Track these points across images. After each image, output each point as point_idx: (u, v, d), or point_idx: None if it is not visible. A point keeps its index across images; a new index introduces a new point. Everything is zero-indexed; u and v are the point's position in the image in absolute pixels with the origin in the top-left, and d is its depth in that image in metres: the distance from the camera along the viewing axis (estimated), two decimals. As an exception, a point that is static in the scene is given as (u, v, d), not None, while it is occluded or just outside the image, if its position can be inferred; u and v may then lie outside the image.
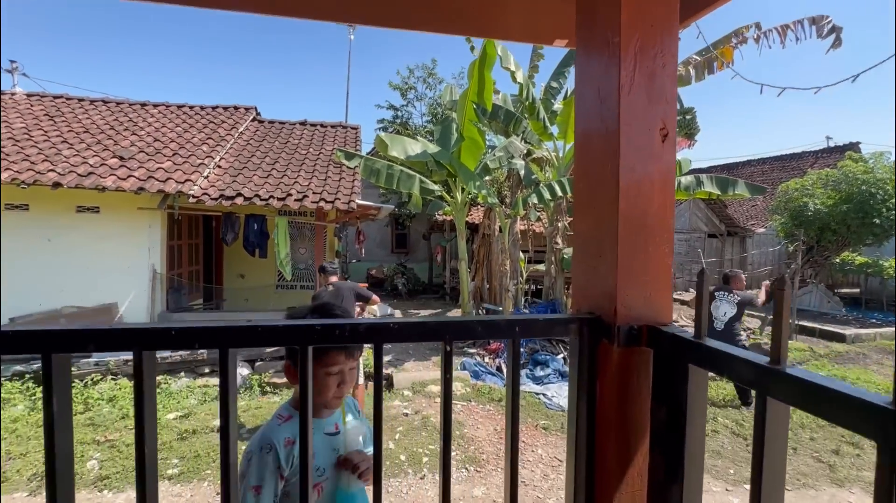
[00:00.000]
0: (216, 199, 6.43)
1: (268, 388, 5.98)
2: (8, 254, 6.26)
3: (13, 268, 6.27)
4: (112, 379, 5.83)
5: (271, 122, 9.84)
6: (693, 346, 0.68)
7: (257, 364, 6.44)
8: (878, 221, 10.23)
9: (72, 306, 6.52)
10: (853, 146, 17.90)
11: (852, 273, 12.81)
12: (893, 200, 10.21)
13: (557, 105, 8.42)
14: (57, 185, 5.89)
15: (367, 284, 10.08)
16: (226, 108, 9.53)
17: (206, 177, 6.94)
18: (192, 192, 6.38)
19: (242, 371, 6.23)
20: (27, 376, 5.72)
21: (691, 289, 15.28)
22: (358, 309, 4.70)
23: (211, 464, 4.17)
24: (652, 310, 0.80)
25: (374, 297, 4.67)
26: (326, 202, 6.69)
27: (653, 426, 0.76)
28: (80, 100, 8.86)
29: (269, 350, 6.65)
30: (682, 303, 12.78)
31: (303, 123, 9.96)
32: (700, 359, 0.67)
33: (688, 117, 6.84)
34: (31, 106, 8.27)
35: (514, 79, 6.34)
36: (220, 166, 7.41)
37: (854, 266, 12.14)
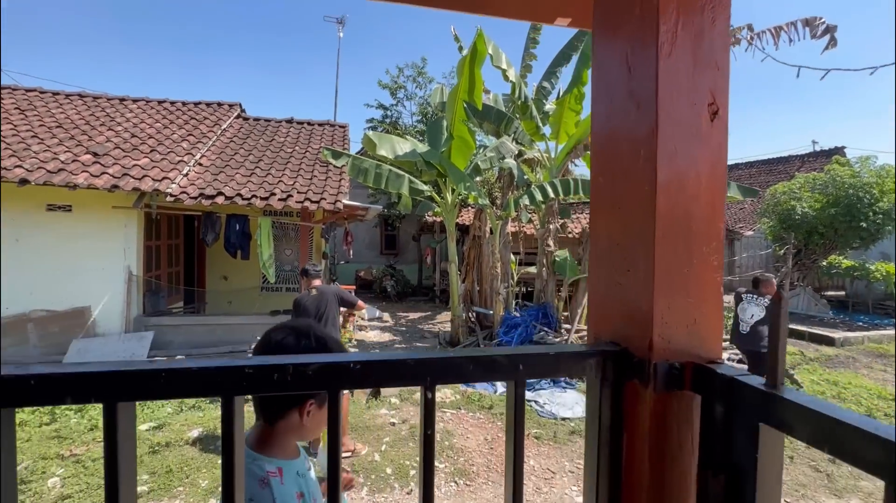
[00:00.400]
0: (196, 198, 6.15)
1: (249, 396, 5.71)
2: (-29, 255, 5.92)
3: (-23, 269, 5.92)
4: (82, 387, 5.53)
5: (256, 119, 9.55)
6: (768, 400, 0.49)
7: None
8: (864, 225, 10.28)
9: (41, 310, 6.19)
10: (839, 150, 18.11)
11: (839, 276, 12.90)
12: (880, 204, 10.27)
13: (549, 106, 8.27)
14: (24, 181, 5.56)
15: (355, 287, 9.83)
16: (209, 105, 9.22)
17: (186, 175, 6.65)
18: (170, 191, 6.10)
19: (222, 378, 5.96)
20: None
21: (681, 292, 15.28)
22: (343, 311, 4.48)
23: (184, 479, 3.91)
24: (698, 341, 0.62)
25: (360, 303, 4.44)
26: (312, 202, 6.45)
27: (701, 500, 0.57)
28: (55, 93, 8.48)
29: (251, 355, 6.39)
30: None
31: (289, 121, 9.69)
32: (779, 418, 0.48)
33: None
34: (2, 99, 7.89)
35: (506, 77, 6.17)
36: (200, 164, 7.12)
37: (841, 269, 12.22)
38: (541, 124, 7.15)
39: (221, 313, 7.71)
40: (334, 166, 7.40)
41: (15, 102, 7.81)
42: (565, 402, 5.68)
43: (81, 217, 6.26)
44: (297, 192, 6.58)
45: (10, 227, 6.04)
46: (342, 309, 4.41)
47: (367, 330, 9.02)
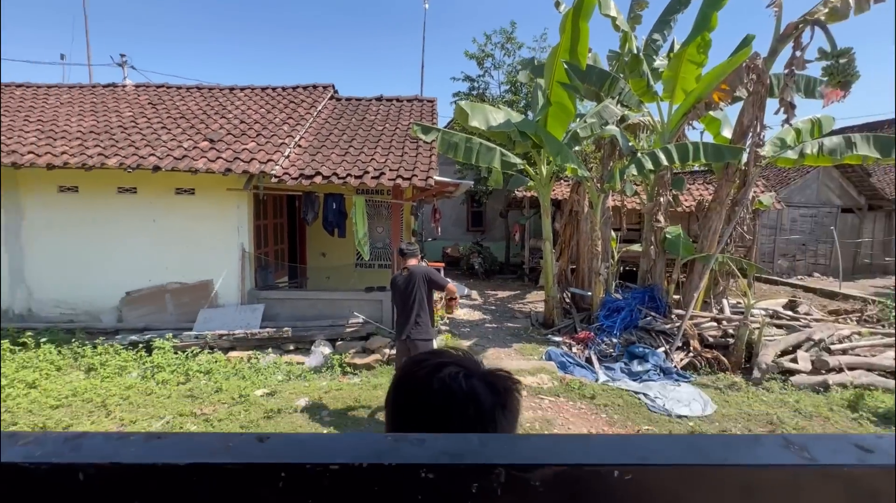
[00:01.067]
0: (296, 179, 6.42)
1: (348, 369, 5.94)
2: (121, 233, 6.84)
3: (125, 246, 6.83)
4: (209, 352, 6.16)
5: (348, 99, 9.74)
6: None
7: (338, 343, 6.45)
8: None
9: (175, 282, 6.99)
10: None
11: None
12: None
13: (660, 61, 7.23)
14: (156, 168, 6.21)
15: (443, 264, 9.81)
16: (305, 88, 9.59)
17: (287, 156, 6.97)
18: (274, 172, 6.42)
19: (324, 350, 6.27)
20: (140, 345, 6.25)
21: (815, 274, 13.06)
22: (437, 297, 4.32)
23: (294, 446, 4.14)
24: None
25: (450, 286, 4.22)
26: (403, 179, 6.38)
27: None
28: (178, 88, 9.41)
29: (349, 329, 6.64)
30: (807, 289, 10.90)
31: (378, 99, 9.74)
32: None
33: (842, 61, 5.40)
34: (138, 96, 8.93)
35: (616, 27, 5.41)
36: (300, 145, 7.42)
37: None
38: (652, 82, 6.25)
39: (321, 288, 8.14)
40: (424, 142, 7.25)
41: (148, 98, 8.79)
42: (680, 398, 5.06)
43: (202, 199, 6.89)
44: (389, 170, 6.55)
45: (148, 210, 6.85)
46: (439, 294, 4.26)
47: (458, 307, 8.96)
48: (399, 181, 6.35)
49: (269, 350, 6.30)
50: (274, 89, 9.49)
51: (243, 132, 7.35)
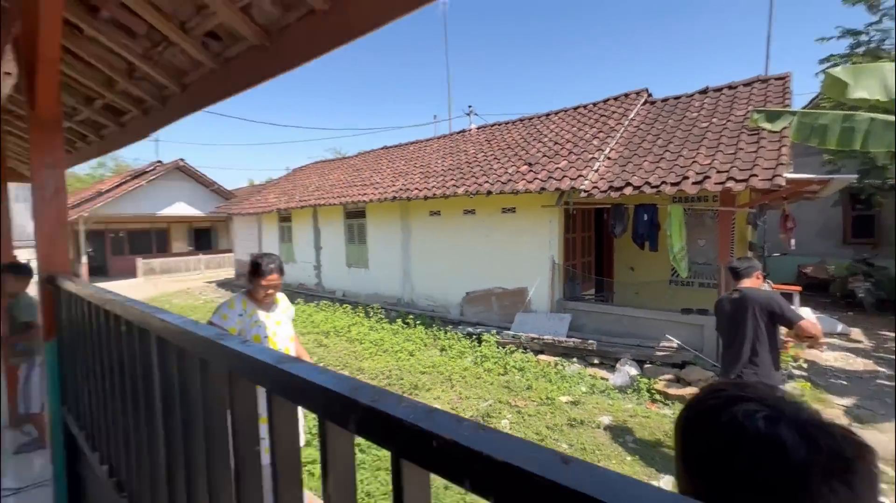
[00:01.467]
0: (605, 192, 6.36)
1: (658, 397, 5.35)
2: (465, 246, 8.65)
3: (467, 255, 8.60)
4: (522, 351, 6.90)
5: (664, 100, 8.91)
6: None
7: (646, 366, 5.92)
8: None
9: (499, 287, 8.25)
10: None
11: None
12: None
13: None
14: (489, 192, 7.53)
15: (799, 288, 7.40)
16: (616, 99, 9.44)
17: (597, 170, 7.02)
18: (583, 187, 6.60)
19: (630, 370, 5.89)
20: (473, 336, 7.69)
21: None
22: (786, 335, 3.20)
23: (597, 462, 4.04)
24: None
25: (805, 324, 2.95)
26: (736, 181, 5.25)
27: None
28: (506, 123, 11.16)
29: (659, 353, 5.99)
30: None
31: (703, 92, 8.44)
32: None
33: None
34: (479, 136, 11.15)
35: None
36: (609, 157, 7.34)
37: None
38: None
39: (628, 304, 7.71)
40: (769, 132, 5.75)
41: (485, 136, 10.84)
42: None
43: (521, 216, 7.85)
44: (717, 172, 5.53)
45: (483, 227, 8.40)
46: (784, 330, 3.18)
47: (823, 348, 6.57)
48: (730, 184, 5.26)
49: (574, 359, 6.45)
50: (585, 107, 9.81)
51: (556, 153, 7.93)
